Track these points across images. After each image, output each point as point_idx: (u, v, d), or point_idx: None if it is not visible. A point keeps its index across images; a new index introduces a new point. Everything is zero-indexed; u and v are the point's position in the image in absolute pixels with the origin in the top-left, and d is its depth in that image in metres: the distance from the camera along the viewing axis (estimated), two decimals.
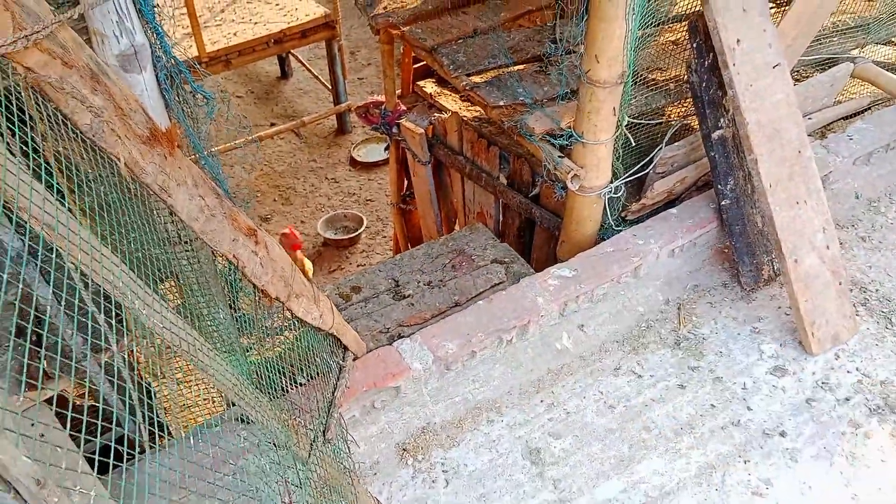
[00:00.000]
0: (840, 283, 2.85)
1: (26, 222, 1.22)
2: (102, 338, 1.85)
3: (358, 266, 6.13)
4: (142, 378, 2.36)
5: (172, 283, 2.16)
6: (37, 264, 1.77)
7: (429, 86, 4.37)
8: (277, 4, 6.88)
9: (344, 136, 7.57)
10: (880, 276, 3.07)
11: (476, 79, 3.37)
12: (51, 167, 1.34)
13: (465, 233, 3.48)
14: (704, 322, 2.95)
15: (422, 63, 4.47)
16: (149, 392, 2.39)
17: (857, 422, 2.56)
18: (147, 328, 1.31)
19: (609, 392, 2.69)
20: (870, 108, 3.94)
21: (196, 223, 1.65)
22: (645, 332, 2.89)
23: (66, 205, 1.30)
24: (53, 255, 1.28)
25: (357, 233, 6.32)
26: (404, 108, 4.34)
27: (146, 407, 2.21)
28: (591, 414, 2.64)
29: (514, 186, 3.73)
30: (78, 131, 1.32)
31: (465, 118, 3.88)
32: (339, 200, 6.82)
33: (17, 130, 1.30)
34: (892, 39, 4.46)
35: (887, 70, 3.93)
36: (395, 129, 4.34)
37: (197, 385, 2.29)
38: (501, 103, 3.17)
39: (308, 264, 5.61)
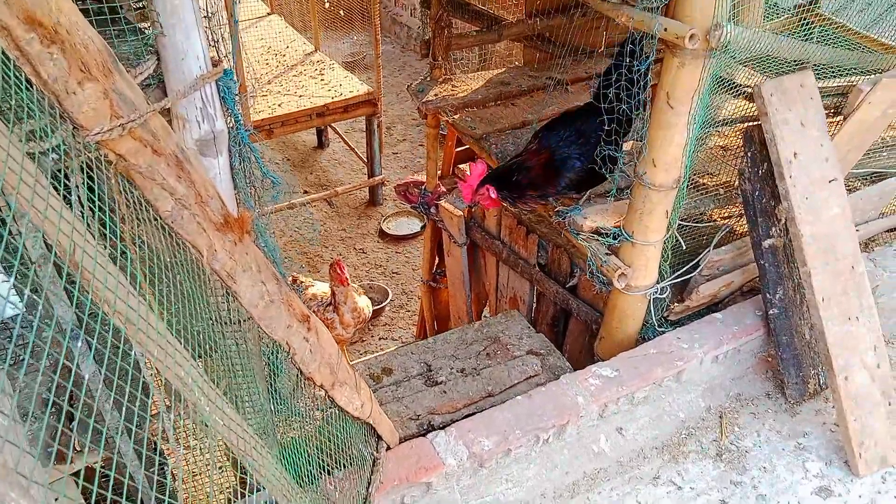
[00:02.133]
0: (890, 404, 2.76)
1: (90, 300, 1.21)
2: (136, 416, 1.81)
3: (380, 339, 6.08)
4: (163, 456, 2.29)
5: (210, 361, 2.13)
6: (87, 340, 1.75)
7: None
8: (323, 79, 7.10)
9: (374, 208, 7.65)
10: None
11: None
12: (126, 251, 1.34)
13: (501, 319, 3.44)
14: (747, 433, 2.84)
15: (463, 147, 4.54)
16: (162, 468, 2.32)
17: None
18: (209, 426, 1.27)
19: (648, 502, 2.58)
20: None
21: (255, 309, 1.63)
22: (685, 440, 2.78)
23: (138, 289, 1.28)
24: (110, 334, 1.25)
25: (381, 305, 6.29)
26: (444, 190, 4.38)
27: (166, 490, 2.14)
28: None
29: (550, 275, 3.70)
30: (158, 217, 1.32)
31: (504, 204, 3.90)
32: (365, 271, 6.82)
33: (96, 211, 1.30)
34: None
35: None
36: (433, 209, 4.37)
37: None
38: (549, 196, 3.18)
39: (364, 301, 4.88)
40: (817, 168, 2.71)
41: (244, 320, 1.93)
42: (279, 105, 6.63)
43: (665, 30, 2.29)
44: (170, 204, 1.32)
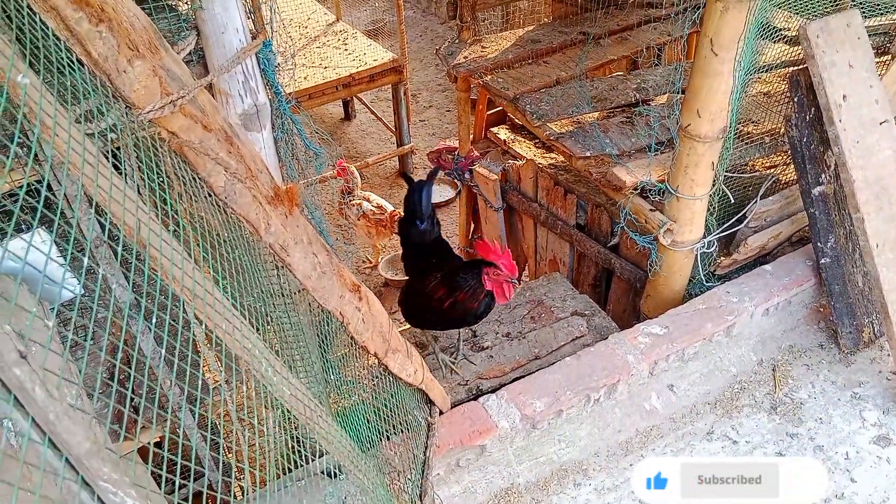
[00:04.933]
0: None
1: (156, 277, 1.21)
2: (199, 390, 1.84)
3: None
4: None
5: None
6: (147, 318, 1.77)
7: (502, 132, 4.37)
8: (346, 49, 7.03)
9: None
10: None
11: (559, 128, 3.35)
12: (180, 228, 1.34)
13: (543, 282, 3.41)
14: (801, 385, 2.80)
15: (495, 110, 4.48)
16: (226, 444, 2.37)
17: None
18: (276, 398, 1.28)
19: (702, 459, 2.57)
20: None
21: (309, 281, 1.63)
22: (738, 395, 2.76)
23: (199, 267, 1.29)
24: (168, 309, 1.26)
25: None
26: (477, 154, 4.34)
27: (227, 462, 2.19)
28: None
29: (591, 235, 3.66)
30: (212, 193, 1.32)
31: (540, 165, 3.85)
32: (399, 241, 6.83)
33: (157, 189, 1.30)
34: None
35: None
36: (467, 175, 4.34)
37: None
38: (588, 154, 3.13)
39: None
40: (867, 110, 2.61)
41: (296, 292, 1.94)
42: (305, 78, 6.59)
43: None
44: (223, 179, 1.32)
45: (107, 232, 1.68)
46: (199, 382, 1.84)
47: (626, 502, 2.45)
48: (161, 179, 1.27)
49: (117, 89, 1.16)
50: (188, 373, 1.46)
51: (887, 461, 2.54)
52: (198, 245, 1.38)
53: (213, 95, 1.74)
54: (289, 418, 1.60)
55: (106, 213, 1.12)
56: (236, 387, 1.77)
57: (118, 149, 1.35)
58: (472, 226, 4.84)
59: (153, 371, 1.94)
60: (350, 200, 5.84)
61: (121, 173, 1.28)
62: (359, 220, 5.91)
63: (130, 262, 1.17)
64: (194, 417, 2.06)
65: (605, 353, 2.64)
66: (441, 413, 2.47)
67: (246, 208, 1.39)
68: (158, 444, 2.25)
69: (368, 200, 5.92)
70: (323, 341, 2.35)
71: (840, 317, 2.85)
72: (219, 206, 1.38)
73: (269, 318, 1.96)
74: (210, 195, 1.37)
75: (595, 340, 2.87)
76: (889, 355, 2.81)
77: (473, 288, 2.48)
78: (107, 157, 1.27)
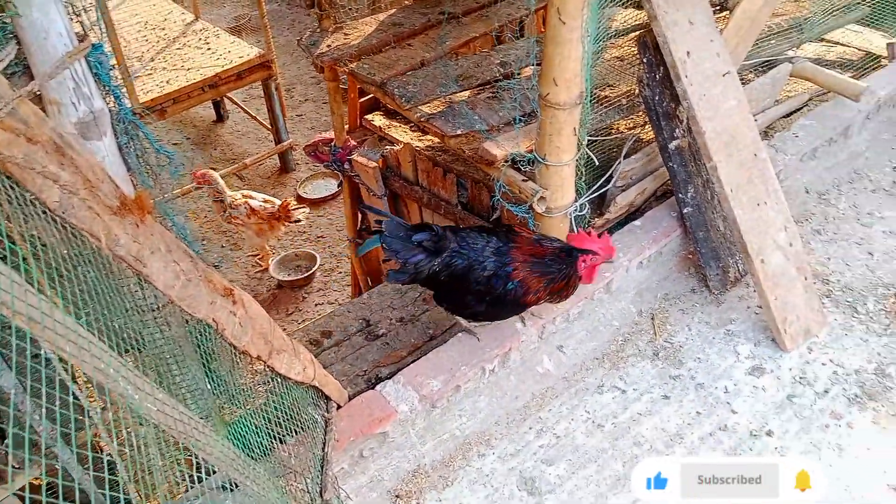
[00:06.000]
0: (805, 279, 2.93)
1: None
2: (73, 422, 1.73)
3: (316, 306, 6.00)
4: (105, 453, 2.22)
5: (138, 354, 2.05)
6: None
7: (377, 119, 4.34)
8: (209, 49, 6.76)
9: (288, 175, 7.45)
10: (840, 267, 3.17)
11: (429, 109, 3.36)
12: (17, 249, 1.24)
13: None
14: (679, 329, 2.98)
15: (368, 97, 4.44)
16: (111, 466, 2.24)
17: (839, 413, 2.61)
18: (140, 415, 1.22)
19: (596, 411, 2.68)
20: (808, 105, 4.10)
21: (173, 290, 1.56)
22: (623, 346, 2.89)
23: (39, 288, 1.20)
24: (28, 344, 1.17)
25: (311, 271, 6.20)
26: (354, 144, 4.29)
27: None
28: (581, 435, 2.62)
29: (473, 211, 3.72)
30: (47, 210, 1.23)
31: (417, 148, 3.86)
32: (289, 240, 6.68)
33: None
34: (824, 37, 4.66)
35: (822, 66, 4.10)
36: (346, 165, 4.29)
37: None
38: (459, 132, 3.16)
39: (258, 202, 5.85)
40: (710, 64, 2.78)
41: (163, 305, 1.85)
42: (167, 82, 6.28)
43: None
44: (56, 194, 1.23)
45: None
46: (72, 414, 1.72)
47: (529, 464, 2.52)
48: None
49: None
50: (57, 403, 1.37)
51: (763, 389, 2.74)
52: (39, 266, 1.29)
53: (43, 106, 1.63)
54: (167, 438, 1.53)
55: None
56: (109, 409, 1.68)
57: None
58: (360, 215, 4.80)
59: (18, 408, 1.80)
60: (232, 202, 5.66)
61: None
62: (249, 218, 5.74)
63: None
64: (72, 451, 1.93)
65: (495, 324, 2.70)
66: (339, 407, 2.45)
67: (87, 222, 1.31)
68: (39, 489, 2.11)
69: (251, 198, 5.78)
70: (206, 352, 2.27)
71: (707, 261, 3.04)
72: (57, 223, 1.30)
73: (139, 335, 1.87)
74: (46, 212, 1.28)
75: None
76: (755, 291, 3.03)
77: (568, 275, 2.46)
78: None
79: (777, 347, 2.86)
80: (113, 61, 1.63)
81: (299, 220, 5.97)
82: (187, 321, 2.16)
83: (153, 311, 1.88)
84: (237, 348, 1.90)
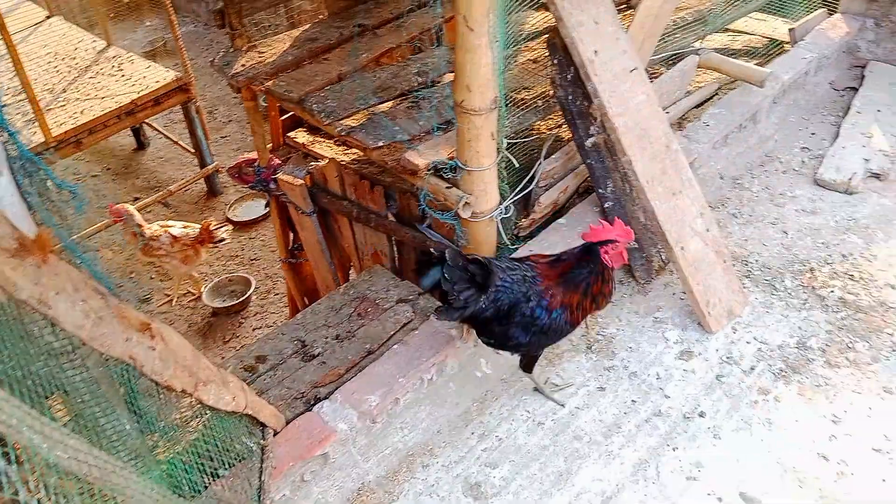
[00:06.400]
0: (724, 262, 3.03)
1: None
2: None
3: (254, 330, 5.89)
4: None
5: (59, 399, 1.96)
6: None
7: (300, 136, 4.29)
8: (124, 75, 6.57)
9: (216, 199, 7.30)
10: (757, 248, 3.30)
11: (350, 123, 3.34)
12: None
13: (365, 277, 3.42)
14: (610, 321, 3.04)
15: (290, 114, 4.39)
16: None
17: (766, 388, 2.72)
18: (52, 464, 1.17)
19: (535, 409, 2.71)
20: (718, 94, 4.26)
21: (83, 331, 1.51)
22: (558, 343, 2.93)
23: None
24: None
25: (246, 295, 6.08)
26: (278, 162, 4.23)
27: None
28: (523, 435, 2.64)
29: (404, 222, 3.71)
30: None
31: (343, 162, 3.83)
32: (221, 265, 6.54)
33: None
34: (730, 27, 4.86)
35: (727, 56, 4.27)
36: (272, 185, 4.22)
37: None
38: (380, 144, 3.15)
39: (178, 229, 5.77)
40: (618, 61, 2.86)
41: (77, 347, 1.78)
42: (81, 112, 6.08)
43: None
44: None
45: None
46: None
47: (473, 469, 2.53)
48: None
49: None
50: None
51: (693, 372, 2.82)
52: None
53: None
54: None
55: None
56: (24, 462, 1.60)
57: None
58: (292, 234, 4.73)
59: None
60: (152, 234, 5.51)
61: None
62: (173, 246, 5.59)
63: None
64: None
65: (429, 332, 2.70)
66: (276, 433, 2.41)
67: None
68: None
69: (170, 227, 5.64)
70: (131, 390, 2.19)
71: (630, 252, 3.11)
72: None
73: (53, 380, 1.79)
74: None
75: (422, 323, 2.93)
76: (678, 278, 3.11)
77: (599, 273, 2.41)
78: None
79: (703, 330, 2.95)
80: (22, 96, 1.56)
81: (224, 240, 5.85)
82: (107, 360, 2.09)
83: (66, 353, 1.80)
84: (159, 384, 1.85)
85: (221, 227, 5.84)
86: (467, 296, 2.29)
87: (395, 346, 2.66)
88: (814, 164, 3.78)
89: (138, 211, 6.64)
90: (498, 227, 3.06)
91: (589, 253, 2.41)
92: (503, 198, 3.02)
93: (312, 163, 4.04)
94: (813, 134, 4.04)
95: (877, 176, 3.71)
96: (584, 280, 2.40)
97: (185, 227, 5.77)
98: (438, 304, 3.14)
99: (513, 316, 2.38)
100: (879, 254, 3.24)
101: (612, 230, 2.40)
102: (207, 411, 2.06)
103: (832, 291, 3.07)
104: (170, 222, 5.85)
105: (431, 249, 2.31)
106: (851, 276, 3.14)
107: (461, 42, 2.51)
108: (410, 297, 3.16)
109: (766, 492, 2.39)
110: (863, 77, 4.51)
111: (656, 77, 3.84)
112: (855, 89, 4.38)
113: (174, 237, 5.60)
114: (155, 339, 1.79)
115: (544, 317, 2.38)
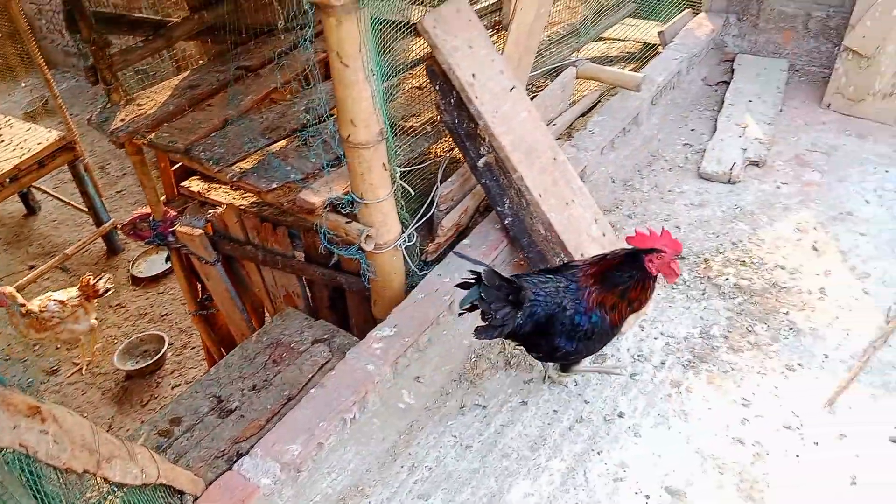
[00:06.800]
0: None
1: None
2: None
3: (173, 388, 5.65)
4: None
5: None
6: None
7: (194, 184, 4.19)
8: (3, 140, 6.23)
9: (117, 257, 7.00)
10: None
11: (241, 167, 3.28)
12: None
13: (277, 322, 3.35)
14: None
15: (181, 163, 4.27)
16: None
17: (677, 381, 2.82)
18: None
19: (461, 433, 2.71)
20: (601, 101, 4.44)
21: None
22: (477, 363, 2.95)
23: None
24: None
25: (160, 354, 5.83)
26: (175, 214, 4.10)
27: None
28: (452, 461, 2.63)
29: (312, 260, 3.67)
30: None
31: (242, 207, 3.76)
32: (131, 325, 6.26)
33: None
34: (606, 35, 5.07)
35: (606, 63, 4.45)
36: (170, 238, 4.09)
37: None
38: (274, 186, 3.12)
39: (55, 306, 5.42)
40: (496, 82, 2.94)
41: None
42: None
43: None
44: None
45: None
46: None
47: (408, 502, 2.50)
48: None
49: None
50: None
51: (607, 374, 2.90)
52: None
53: None
54: None
55: None
56: None
57: None
58: (199, 285, 4.58)
59: None
60: (40, 308, 5.29)
61: None
62: (63, 311, 5.31)
63: None
64: None
65: (346, 371, 2.67)
66: (196, 498, 2.31)
67: None
68: None
69: (50, 298, 5.42)
70: (31, 477, 2.06)
71: (535, 264, 3.18)
72: None
73: None
74: None
75: (339, 361, 2.88)
76: None
77: (640, 279, 2.38)
78: None
79: None
80: None
81: (109, 290, 5.63)
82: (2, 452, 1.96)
83: None
84: (58, 468, 1.74)
85: (100, 278, 5.60)
86: (504, 314, 2.36)
87: (313, 390, 2.61)
88: (696, 159, 3.99)
89: (35, 279, 6.30)
90: (404, 256, 3.07)
91: (633, 258, 2.40)
92: (406, 226, 3.03)
93: (210, 210, 3.95)
94: (693, 130, 4.26)
95: (755, 163, 3.94)
96: (623, 284, 2.42)
97: (65, 291, 5.53)
98: (352, 338, 3.12)
99: (553, 326, 2.44)
100: (766, 237, 3.44)
101: (658, 239, 2.39)
102: (118, 490, 1.96)
103: (727, 279, 3.23)
104: (48, 294, 5.56)
105: (469, 270, 2.37)
106: (743, 262, 3.32)
107: (338, 78, 2.52)
108: (326, 335, 3.12)
109: (690, 482, 2.47)
110: (732, 70, 4.80)
111: (541, 90, 3.97)
112: (727, 83, 4.65)
113: (61, 301, 5.34)
114: (46, 422, 1.69)
115: (584, 322, 2.44)
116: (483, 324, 2.42)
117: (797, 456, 2.53)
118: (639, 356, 2.93)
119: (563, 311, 2.43)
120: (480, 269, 2.33)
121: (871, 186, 3.72)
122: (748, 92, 4.54)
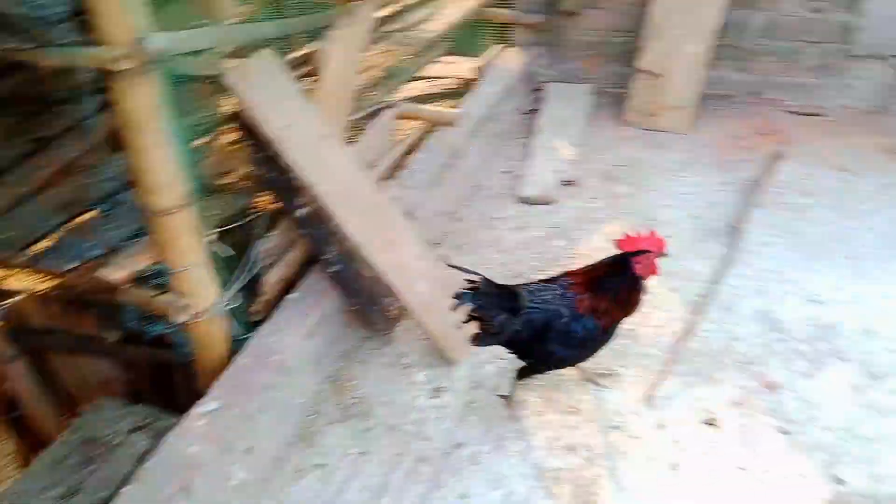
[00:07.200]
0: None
1: None
2: None
3: None
4: None
5: None
6: None
7: None
8: None
9: None
10: (480, 272, 3.51)
11: (36, 250, 3.02)
12: None
13: (87, 416, 3.03)
14: (363, 382, 3.03)
15: None
16: None
17: (512, 401, 2.87)
18: None
19: (302, 501, 2.58)
20: (424, 138, 4.53)
21: None
22: (314, 420, 2.86)
23: None
24: None
25: None
26: None
27: None
28: None
29: (132, 339, 3.40)
30: None
31: (43, 292, 3.43)
32: None
33: None
34: (426, 74, 5.21)
35: (428, 101, 4.56)
36: None
37: None
38: (74, 265, 2.88)
39: None
40: (309, 131, 2.91)
41: None
42: None
43: (92, 60, 2.19)
44: None
45: None
46: None
47: None
48: None
49: None
50: None
51: (445, 407, 2.88)
52: None
53: None
54: None
55: None
56: None
57: None
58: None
59: None
60: None
61: None
62: None
63: None
64: None
65: (165, 458, 2.46)
66: None
67: None
68: None
69: None
70: None
71: (368, 308, 3.15)
72: None
73: None
74: None
75: (160, 446, 2.66)
76: (415, 322, 3.20)
77: (629, 283, 2.47)
78: None
79: (449, 364, 3.06)
80: None
81: None
82: None
83: None
84: None
85: None
86: (502, 320, 2.49)
87: (125, 489, 2.37)
88: (515, 185, 4.16)
89: None
90: (229, 320, 2.93)
91: (622, 262, 2.49)
92: (226, 287, 2.89)
93: (6, 301, 3.57)
94: (510, 158, 4.45)
95: (569, 183, 4.17)
96: (613, 287, 2.51)
97: None
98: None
99: (549, 332, 2.52)
100: (582, 251, 3.62)
101: (645, 240, 2.48)
102: None
103: None
104: None
105: (464, 279, 2.51)
106: None
107: (131, 144, 2.38)
108: (147, 420, 2.88)
109: (528, 499, 2.50)
110: (542, 98, 5.09)
111: (363, 133, 3.98)
112: (538, 110, 4.92)
113: None
114: None
115: (578, 328, 2.52)
116: (480, 332, 2.55)
117: (624, 453, 2.65)
118: (475, 383, 2.97)
119: (558, 318, 2.53)
120: (476, 277, 2.50)
121: (670, 191, 4.04)
122: (558, 117, 4.83)
